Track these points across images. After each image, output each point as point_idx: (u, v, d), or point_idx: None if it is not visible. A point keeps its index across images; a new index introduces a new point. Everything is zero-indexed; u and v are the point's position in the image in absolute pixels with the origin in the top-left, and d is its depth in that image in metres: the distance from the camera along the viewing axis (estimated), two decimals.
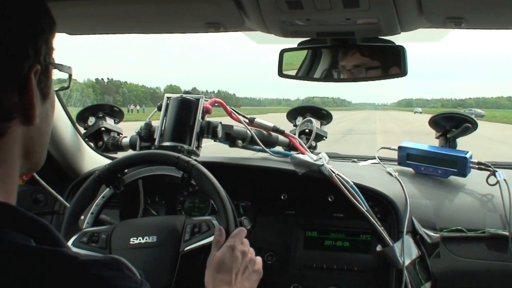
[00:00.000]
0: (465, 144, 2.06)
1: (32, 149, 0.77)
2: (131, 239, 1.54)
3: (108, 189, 1.77)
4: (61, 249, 0.66)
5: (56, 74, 0.84)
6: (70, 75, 0.88)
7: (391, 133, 27.83)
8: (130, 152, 2.08)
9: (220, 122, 1.93)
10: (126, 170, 1.76)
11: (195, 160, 1.62)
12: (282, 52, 1.68)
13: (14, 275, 0.61)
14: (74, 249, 1.53)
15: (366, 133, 27.43)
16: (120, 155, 2.12)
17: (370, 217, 1.72)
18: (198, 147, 1.92)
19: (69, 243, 1.56)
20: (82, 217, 1.70)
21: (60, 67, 0.82)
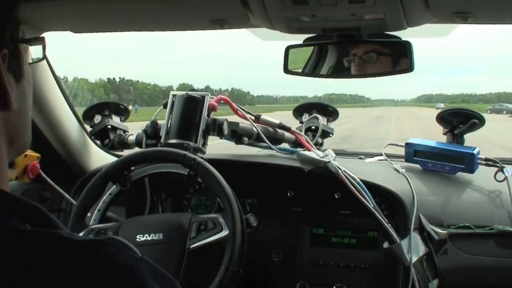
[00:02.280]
0: None
1: (15, 133, 0.75)
2: (138, 236, 1.55)
3: (114, 186, 1.78)
4: (57, 231, 0.66)
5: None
6: (44, 46, 0.83)
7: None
8: (136, 149, 2.08)
9: (226, 119, 1.93)
10: (132, 168, 1.77)
11: (201, 157, 1.62)
12: (288, 48, 1.68)
13: (10, 259, 0.60)
14: None
15: (371, 141, 18.86)
16: (126, 152, 2.13)
17: (377, 214, 1.71)
18: (204, 144, 1.93)
19: None
20: (89, 214, 1.71)
21: (31, 42, 0.78)
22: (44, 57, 0.87)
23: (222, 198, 1.57)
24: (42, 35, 0.82)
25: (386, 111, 71.77)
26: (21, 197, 0.68)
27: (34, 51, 0.80)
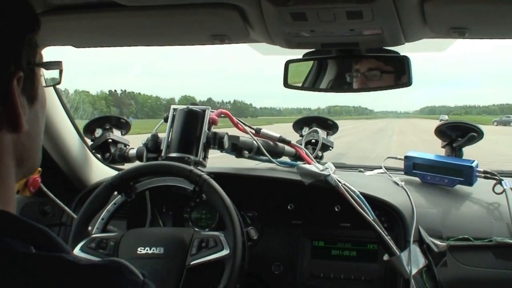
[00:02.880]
0: None
1: (25, 156, 0.75)
2: (139, 249, 1.56)
3: (119, 196, 1.79)
4: (60, 255, 0.66)
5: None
6: (61, 71, 0.84)
7: None
8: (137, 163, 2.09)
9: (227, 133, 1.95)
10: (139, 179, 1.78)
11: (208, 174, 1.63)
12: (288, 63, 1.70)
13: (12, 283, 0.61)
14: (82, 254, 1.56)
15: (367, 160, 14.68)
16: (127, 166, 2.14)
17: (377, 227, 1.72)
18: (205, 158, 1.94)
19: (78, 248, 1.59)
20: (90, 227, 1.71)
21: (48, 66, 0.79)
22: (60, 81, 0.87)
23: (225, 217, 1.57)
24: (57, 60, 0.81)
25: (389, 123, 69.09)
26: (26, 219, 0.68)
27: (45, 70, 0.80)
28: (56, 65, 0.82)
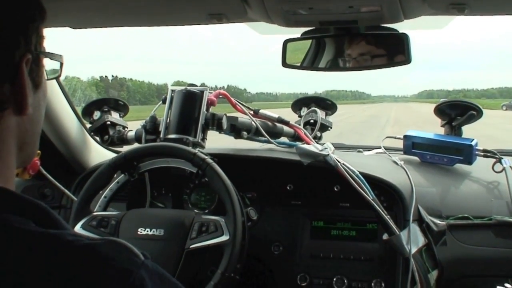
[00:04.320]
0: None
1: (26, 140, 0.77)
2: (139, 229, 1.57)
3: (122, 175, 1.81)
4: (60, 232, 0.67)
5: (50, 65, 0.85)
6: (62, 64, 0.87)
7: None
8: (136, 145, 2.09)
9: (225, 114, 1.94)
10: (141, 159, 1.80)
11: (211, 158, 1.64)
12: (286, 42, 1.68)
13: (14, 260, 0.62)
14: (83, 232, 1.58)
15: None
16: (125, 148, 2.13)
17: (376, 206, 1.72)
18: (204, 139, 1.93)
19: (79, 225, 1.61)
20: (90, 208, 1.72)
21: (51, 56, 0.82)
22: (60, 73, 0.90)
23: (226, 202, 1.58)
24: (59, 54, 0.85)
25: (384, 109, 61.13)
26: (25, 195, 0.70)
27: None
28: (58, 58, 0.85)
